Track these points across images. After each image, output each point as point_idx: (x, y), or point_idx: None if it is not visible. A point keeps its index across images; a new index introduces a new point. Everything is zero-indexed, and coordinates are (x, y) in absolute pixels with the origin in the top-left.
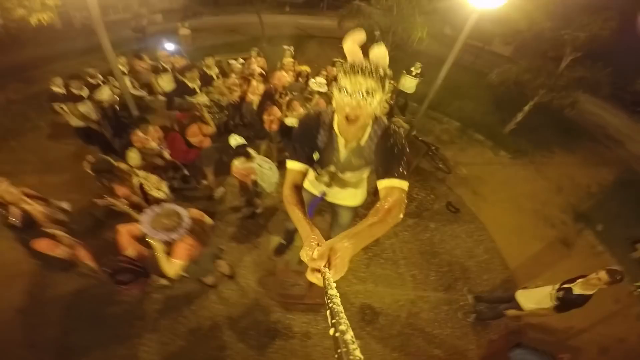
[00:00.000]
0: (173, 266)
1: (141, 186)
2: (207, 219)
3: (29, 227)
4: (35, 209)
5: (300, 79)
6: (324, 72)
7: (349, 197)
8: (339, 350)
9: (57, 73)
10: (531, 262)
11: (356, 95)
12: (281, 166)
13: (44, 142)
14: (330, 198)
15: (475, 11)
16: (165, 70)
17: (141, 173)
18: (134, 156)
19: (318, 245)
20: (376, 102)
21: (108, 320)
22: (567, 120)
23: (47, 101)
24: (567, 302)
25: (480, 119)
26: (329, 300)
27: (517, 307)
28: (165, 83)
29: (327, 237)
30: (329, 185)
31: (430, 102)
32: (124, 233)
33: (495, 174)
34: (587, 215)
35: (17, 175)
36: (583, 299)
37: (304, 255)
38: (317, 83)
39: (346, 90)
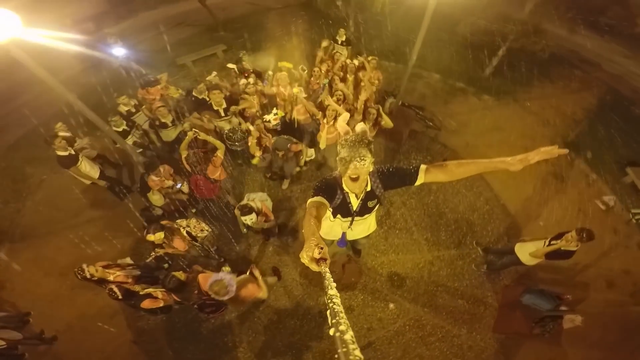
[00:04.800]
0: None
1: (188, 233)
2: (263, 292)
3: (130, 295)
4: (118, 275)
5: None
6: (317, 69)
7: (365, 230)
8: (339, 350)
9: None
10: (530, 203)
11: (354, 160)
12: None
13: (60, 195)
14: (350, 237)
15: None
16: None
17: (182, 223)
18: (156, 198)
19: (317, 246)
20: (368, 162)
21: (204, 334)
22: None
23: (61, 166)
24: (555, 255)
25: (458, 67)
26: (329, 301)
27: (518, 260)
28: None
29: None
30: (350, 228)
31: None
32: (202, 279)
33: (482, 119)
34: (576, 143)
35: (58, 234)
36: (569, 254)
37: (304, 255)
38: (272, 116)
39: (345, 159)
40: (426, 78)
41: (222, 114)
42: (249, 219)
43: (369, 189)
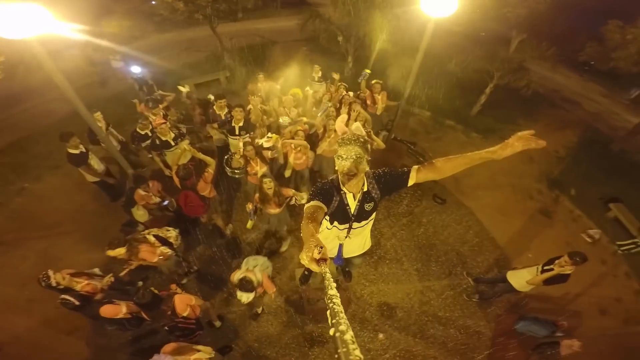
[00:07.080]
0: None
1: (156, 236)
2: None
3: (86, 303)
4: (85, 285)
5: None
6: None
7: (361, 246)
8: (339, 350)
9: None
10: (518, 237)
11: (350, 158)
12: None
13: (40, 204)
14: (346, 253)
15: (431, 20)
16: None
17: (145, 232)
18: (140, 213)
19: (317, 246)
20: (364, 160)
21: None
22: None
23: (72, 164)
24: (552, 280)
25: (448, 105)
26: (329, 301)
27: (511, 287)
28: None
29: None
30: (347, 236)
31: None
32: (179, 300)
33: None
34: (560, 180)
35: (26, 244)
36: (565, 277)
37: (304, 256)
38: (265, 140)
39: (342, 157)
40: (418, 115)
41: (237, 132)
42: (245, 297)
43: (365, 189)
